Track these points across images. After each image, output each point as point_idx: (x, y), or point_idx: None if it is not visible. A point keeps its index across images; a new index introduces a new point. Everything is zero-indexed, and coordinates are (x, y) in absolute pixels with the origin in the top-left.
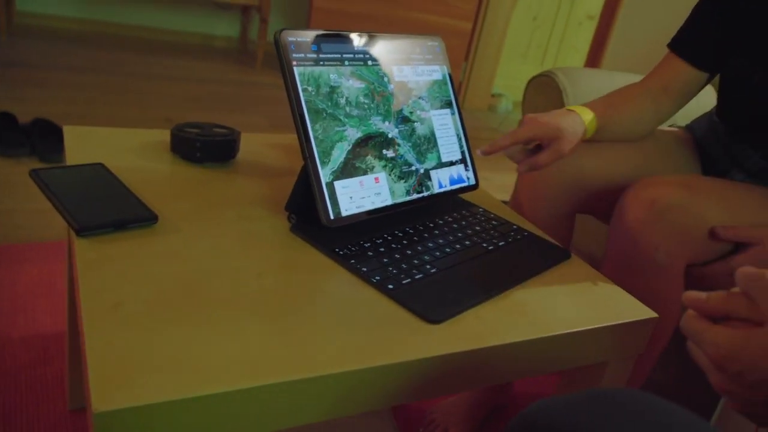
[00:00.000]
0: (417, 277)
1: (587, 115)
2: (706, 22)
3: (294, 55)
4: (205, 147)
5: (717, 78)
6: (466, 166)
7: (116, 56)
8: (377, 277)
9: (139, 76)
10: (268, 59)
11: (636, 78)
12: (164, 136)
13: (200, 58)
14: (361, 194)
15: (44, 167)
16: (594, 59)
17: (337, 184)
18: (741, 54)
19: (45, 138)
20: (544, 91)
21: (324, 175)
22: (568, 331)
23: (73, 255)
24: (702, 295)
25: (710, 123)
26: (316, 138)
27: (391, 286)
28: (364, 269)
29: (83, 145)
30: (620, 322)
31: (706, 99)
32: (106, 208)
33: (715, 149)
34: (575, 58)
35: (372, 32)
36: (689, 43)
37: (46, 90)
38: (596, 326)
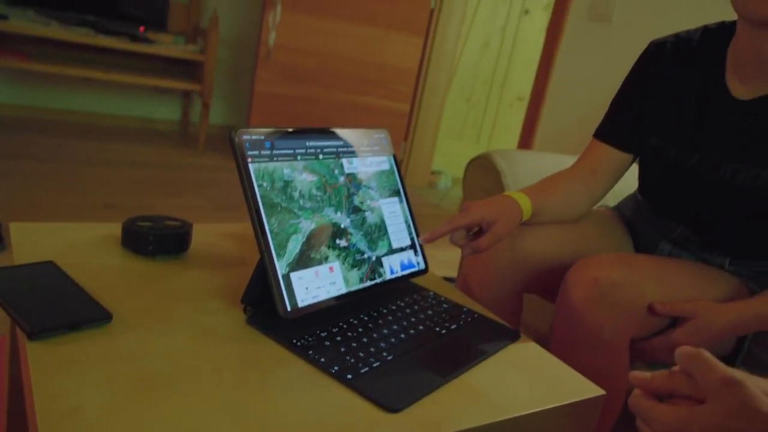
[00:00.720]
0: (374, 365)
1: (523, 200)
2: (624, 109)
3: (249, 152)
4: (158, 241)
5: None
6: (415, 251)
7: (54, 142)
8: (336, 367)
9: (78, 161)
10: (211, 142)
11: (568, 159)
12: (114, 229)
13: (141, 142)
14: (316, 284)
15: None
16: (526, 138)
17: (293, 275)
18: (656, 134)
19: None
20: (484, 172)
21: (280, 267)
22: (523, 413)
23: (24, 358)
24: (647, 374)
25: (635, 202)
26: (271, 231)
27: (349, 376)
28: (322, 360)
29: (31, 242)
30: (571, 401)
31: (632, 180)
32: (59, 308)
33: (642, 225)
34: (508, 136)
35: (322, 127)
36: (612, 130)
37: None
38: (549, 407)
